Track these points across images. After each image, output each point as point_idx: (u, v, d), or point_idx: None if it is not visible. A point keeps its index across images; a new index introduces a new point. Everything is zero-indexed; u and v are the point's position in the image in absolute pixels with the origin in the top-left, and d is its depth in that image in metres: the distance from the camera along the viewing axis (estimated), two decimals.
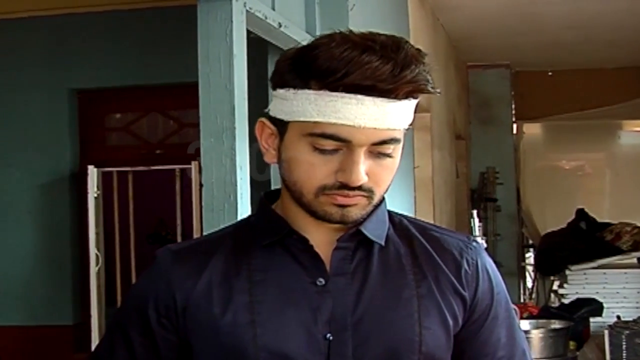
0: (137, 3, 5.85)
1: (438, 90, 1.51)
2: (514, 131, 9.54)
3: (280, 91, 1.51)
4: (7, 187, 6.04)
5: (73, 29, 5.99)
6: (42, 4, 5.82)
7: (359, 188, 1.47)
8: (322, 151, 1.47)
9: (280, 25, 3.14)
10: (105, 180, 5.74)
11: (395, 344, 1.53)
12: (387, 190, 1.56)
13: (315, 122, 1.46)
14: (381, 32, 1.51)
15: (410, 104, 1.49)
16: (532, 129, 9.68)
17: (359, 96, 1.43)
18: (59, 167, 6.00)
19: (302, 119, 1.47)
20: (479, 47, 8.44)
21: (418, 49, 1.48)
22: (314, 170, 1.48)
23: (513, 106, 9.56)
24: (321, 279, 1.54)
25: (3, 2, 5.76)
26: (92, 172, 5.58)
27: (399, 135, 1.50)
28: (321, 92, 1.44)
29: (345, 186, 1.47)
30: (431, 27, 6.68)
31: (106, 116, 6.31)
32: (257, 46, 3.11)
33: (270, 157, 1.57)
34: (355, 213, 1.51)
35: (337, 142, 1.46)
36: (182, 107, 6.07)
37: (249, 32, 2.83)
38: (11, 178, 6.02)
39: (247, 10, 2.78)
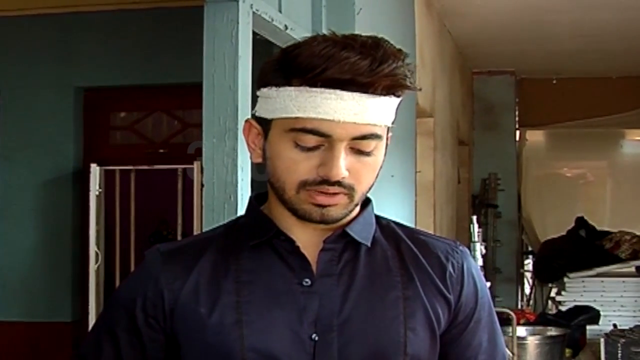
0: (144, 3, 5.86)
1: (418, 87, 1.54)
2: (517, 138, 9.55)
3: (264, 90, 1.54)
4: (10, 183, 6.04)
5: (80, 27, 6.00)
6: (50, 2, 5.83)
7: (340, 184, 1.49)
8: (304, 147, 1.49)
9: (286, 28, 3.16)
10: (107, 179, 5.75)
11: (381, 345, 1.54)
12: (369, 190, 1.57)
13: (296, 118, 1.48)
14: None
15: (391, 101, 1.51)
16: (535, 136, 9.68)
17: (338, 91, 1.45)
18: (62, 164, 6.01)
19: (283, 115, 1.49)
20: (484, 54, 8.45)
21: (398, 48, 1.50)
22: (295, 166, 1.50)
23: (517, 113, 9.57)
24: (307, 280, 1.55)
25: (10, 0, 5.77)
26: (95, 170, 5.59)
27: (380, 131, 1.51)
28: (301, 88, 1.47)
29: (325, 181, 1.48)
30: (438, 33, 6.70)
31: (111, 115, 6.32)
32: (263, 48, 3.13)
33: (256, 156, 1.59)
34: (335, 212, 1.52)
35: (318, 137, 1.48)
36: (187, 107, 6.08)
37: (254, 33, 2.85)
38: (14, 175, 6.02)
39: (253, 12, 2.80)
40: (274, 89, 1.51)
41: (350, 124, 1.47)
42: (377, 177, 1.57)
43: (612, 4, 6.34)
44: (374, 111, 1.48)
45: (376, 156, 1.53)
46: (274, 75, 1.52)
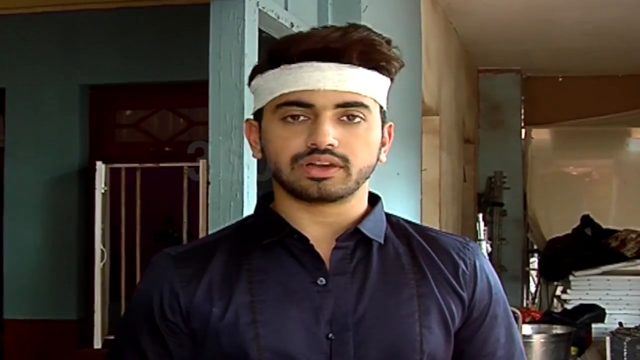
0: (150, 0, 5.87)
1: (399, 60, 1.56)
2: (523, 136, 9.54)
3: (253, 83, 1.59)
4: (16, 181, 6.04)
5: (86, 25, 6.00)
6: None
7: (331, 153, 1.49)
8: (292, 122, 1.52)
9: (292, 25, 3.16)
10: (113, 177, 5.76)
11: (397, 343, 1.52)
12: (369, 169, 1.56)
13: (280, 96, 1.53)
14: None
15: (373, 75, 1.53)
16: (541, 134, 9.67)
17: (315, 63, 1.50)
18: (67, 162, 6.01)
19: (269, 97, 1.54)
20: (490, 52, 8.45)
21: (379, 33, 1.55)
22: (286, 143, 1.52)
23: (522, 111, 9.56)
24: (322, 279, 1.53)
25: None
26: (100, 167, 5.60)
27: (367, 102, 1.53)
28: (282, 67, 1.52)
29: (315, 150, 1.49)
30: (444, 31, 6.70)
31: (117, 112, 6.32)
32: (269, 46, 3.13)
33: (256, 152, 1.61)
34: (333, 186, 1.51)
35: (302, 108, 1.51)
36: (193, 105, 6.09)
37: (260, 31, 2.85)
38: (20, 172, 6.02)
39: (259, 10, 2.80)
40: (259, 76, 1.57)
41: (331, 91, 1.50)
42: (377, 159, 1.57)
43: (618, 2, 6.34)
44: (354, 80, 1.51)
45: (368, 129, 1.54)
46: (260, 66, 1.58)
